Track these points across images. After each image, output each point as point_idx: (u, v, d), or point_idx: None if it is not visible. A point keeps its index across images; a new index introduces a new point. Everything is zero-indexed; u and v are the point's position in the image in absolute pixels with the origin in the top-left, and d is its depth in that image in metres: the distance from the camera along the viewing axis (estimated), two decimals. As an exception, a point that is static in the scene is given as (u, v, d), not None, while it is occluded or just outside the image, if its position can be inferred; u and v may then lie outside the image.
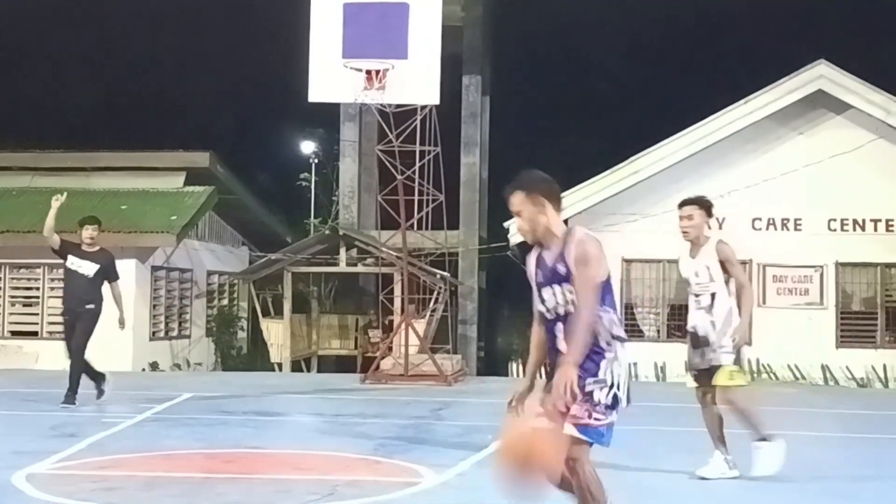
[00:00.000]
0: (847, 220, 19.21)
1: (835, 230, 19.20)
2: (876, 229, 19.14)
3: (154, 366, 20.06)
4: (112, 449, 9.40)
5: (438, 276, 20.65)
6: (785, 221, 19.32)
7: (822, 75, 18.95)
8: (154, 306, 20.63)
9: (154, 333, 20.59)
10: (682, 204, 8.13)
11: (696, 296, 8.06)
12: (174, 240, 19.91)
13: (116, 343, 19.18)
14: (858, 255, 19.03)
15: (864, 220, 19.18)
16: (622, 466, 8.65)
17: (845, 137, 18.90)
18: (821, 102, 19.17)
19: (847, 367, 18.61)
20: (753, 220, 19.25)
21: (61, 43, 34.90)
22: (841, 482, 8.43)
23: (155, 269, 20.63)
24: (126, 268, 19.71)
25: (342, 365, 23.04)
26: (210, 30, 33.99)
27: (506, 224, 20.05)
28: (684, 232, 8.06)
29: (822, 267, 19.07)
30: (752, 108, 19.06)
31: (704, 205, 8.09)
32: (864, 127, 18.94)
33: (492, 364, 24.16)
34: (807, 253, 19.00)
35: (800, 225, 19.28)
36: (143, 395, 14.05)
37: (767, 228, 19.30)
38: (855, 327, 18.92)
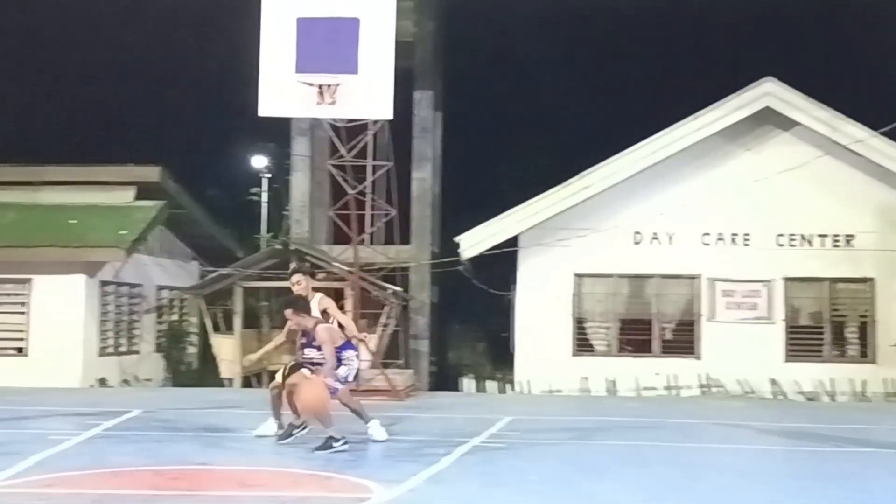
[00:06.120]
0: (794, 235, 19.47)
1: (782, 245, 19.45)
2: (823, 245, 19.42)
3: (103, 382, 19.80)
4: (58, 467, 9.26)
5: (390, 291, 20.62)
6: (734, 236, 19.53)
7: (768, 92, 19.23)
8: (103, 322, 20.36)
9: (103, 349, 20.31)
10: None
11: None
12: (123, 254, 19.68)
13: (65, 359, 19.07)
14: (805, 271, 19.30)
15: (811, 236, 19.46)
16: (575, 481, 8.69)
17: (792, 154, 19.16)
18: (768, 119, 19.44)
19: (795, 381, 18.84)
20: (702, 234, 19.47)
21: (7, 54, 34.48)
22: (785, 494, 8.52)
23: (104, 283, 20.38)
24: (75, 283, 19.61)
25: (293, 380, 22.80)
26: (161, 43, 33.73)
27: (457, 239, 20.09)
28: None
29: (769, 282, 19.29)
30: (701, 125, 19.29)
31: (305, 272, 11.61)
32: (810, 143, 19.23)
33: (443, 379, 24.09)
34: (755, 268, 19.23)
35: (748, 240, 19.49)
36: (92, 412, 13.85)
37: (716, 243, 19.50)
38: (803, 341, 19.16)
